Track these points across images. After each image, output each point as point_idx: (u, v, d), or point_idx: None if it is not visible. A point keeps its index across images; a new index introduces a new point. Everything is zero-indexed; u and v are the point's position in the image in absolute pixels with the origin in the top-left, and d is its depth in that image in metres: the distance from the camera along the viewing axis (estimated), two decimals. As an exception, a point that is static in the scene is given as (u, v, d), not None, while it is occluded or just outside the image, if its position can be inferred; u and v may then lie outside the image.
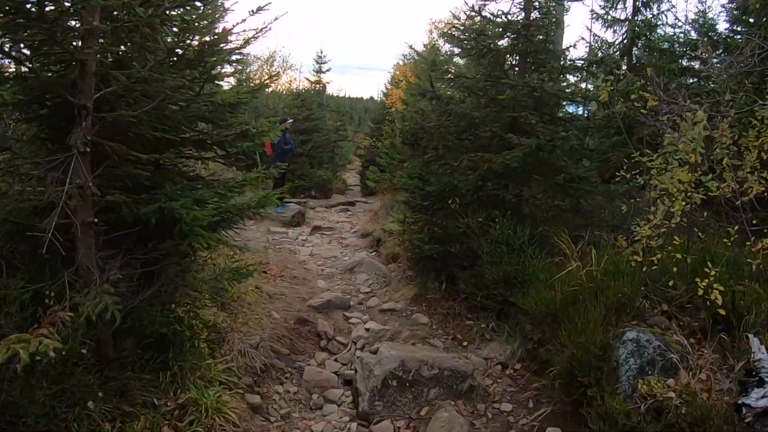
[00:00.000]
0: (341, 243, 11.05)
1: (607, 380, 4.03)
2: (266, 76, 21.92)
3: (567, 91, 6.95)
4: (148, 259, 3.98)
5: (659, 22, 10.16)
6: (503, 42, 7.11)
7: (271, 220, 13.43)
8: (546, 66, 6.94)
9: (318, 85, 26.74)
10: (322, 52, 25.55)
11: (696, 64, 9.69)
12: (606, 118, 7.07)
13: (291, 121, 14.60)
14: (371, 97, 53.06)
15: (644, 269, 4.84)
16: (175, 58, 4.01)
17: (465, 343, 6.36)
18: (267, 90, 23.82)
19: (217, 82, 5.48)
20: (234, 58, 4.87)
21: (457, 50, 7.95)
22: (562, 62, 7.08)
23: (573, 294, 5.03)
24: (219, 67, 4.76)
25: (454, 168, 6.93)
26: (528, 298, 5.37)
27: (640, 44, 10.12)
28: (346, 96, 46.51)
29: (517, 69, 7.09)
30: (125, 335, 3.90)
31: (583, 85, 9.01)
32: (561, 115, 7.34)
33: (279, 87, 24.31)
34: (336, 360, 6.01)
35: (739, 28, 8.91)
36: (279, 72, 22.86)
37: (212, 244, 4.41)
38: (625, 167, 5.79)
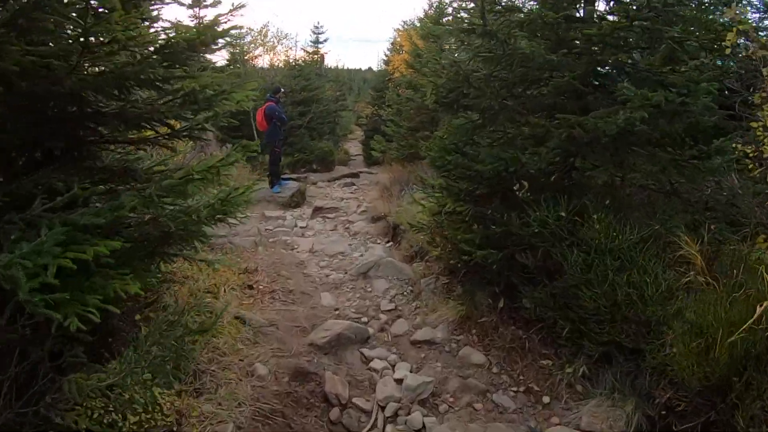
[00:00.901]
0: (348, 230, 8.53)
1: None
2: (260, 48, 19.14)
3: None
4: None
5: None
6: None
7: (267, 202, 11.01)
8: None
9: (316, 56, 23.71)
10: (318, 23, 22.49)
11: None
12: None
13: (284, 91, 11.89)
14: (369, 68, 49.89)
15: None
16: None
17: (546, 399, 3.96)
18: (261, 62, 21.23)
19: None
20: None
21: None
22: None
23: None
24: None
25: (512, 137, 4.41)
26: (680, 362, 2.97)
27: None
28: (345, 68, 43.35)
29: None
30: None
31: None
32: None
33: (275, 60, 21.51)
34: (356, 448, 3.61)
35: None
36: (274, 43, 19.98)
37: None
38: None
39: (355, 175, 17.33)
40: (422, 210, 5.55)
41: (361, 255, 6.88)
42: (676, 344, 3.19)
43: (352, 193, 12.99)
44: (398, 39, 23.78)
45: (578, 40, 4.20)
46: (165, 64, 2.92)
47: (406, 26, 23.36)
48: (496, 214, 4.30)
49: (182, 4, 16.15)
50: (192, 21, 16.61)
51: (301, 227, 8.81)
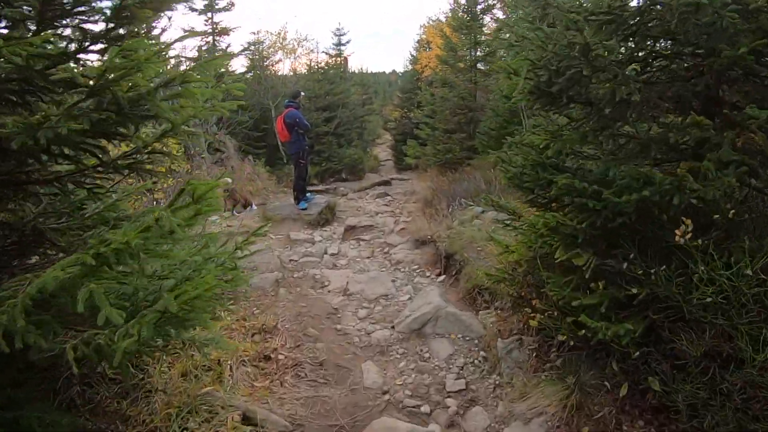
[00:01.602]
0: (389, 257, 6.90)
1: None
2: (280, 53, 17.60)
3: None
4: None
5: None
6: None
7: (293, 221, 9.48)
8: None
9: (339, 59, 22.04)
10: (340, 24, 20.84)
11: None
12: None
13: (304, 94, 10.30)
14: (393, 71, 48.13)
15: None
16: None
17: None
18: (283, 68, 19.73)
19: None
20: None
21: None
22: None
23: None
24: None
25: (644, 145, 2.75)
26: None
27: None
28: (369, 71, 41.66)
29: None
30: None
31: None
32: None
33: (296, 65, 19.94)
34: None
35: None
36: (294, 46, 18.43)
37: None
38: None
39: (387, 183, 15.76)
40: (504, 251, 3.86)
41: (410, 298, 5.25)
42: None
43: (386, 205, 11.38)
44: (424, 36, 22.18)
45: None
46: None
47: (431, 21, 21.76)
48: (637, 270, 2.62)
49: (194, 10, 14.83)
50: (207, 26, 15.32)
51: (331, 254, 7.21)
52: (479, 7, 12.23)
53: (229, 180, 10.52)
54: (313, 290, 5.74)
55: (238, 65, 17.68)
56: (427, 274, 6.08)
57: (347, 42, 21.42)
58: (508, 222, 3.88)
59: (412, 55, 24.00)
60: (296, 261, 6.80)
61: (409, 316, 4.58)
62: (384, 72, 48.94)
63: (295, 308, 5.08)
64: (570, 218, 2.81)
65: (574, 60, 2.58)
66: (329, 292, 5.69)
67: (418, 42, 23.27)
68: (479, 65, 12.42)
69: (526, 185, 3.27)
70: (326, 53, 20.86)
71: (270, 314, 4.89)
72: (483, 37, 12.30)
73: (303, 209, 9.57)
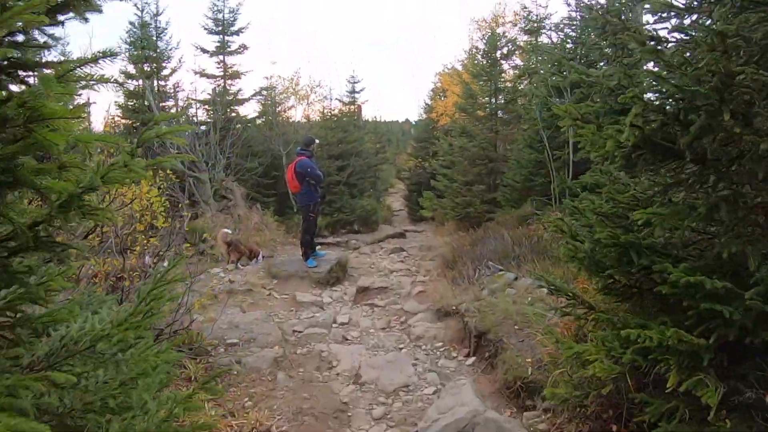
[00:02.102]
0: (407, 330, 5.94)
1: None
2: (293, 98, 17.11)
3: None
4: None
5: None
6: None
7: (300, 279, 8.61)
8: None
9: (352, 107, 21.49)
10: (354, 71, 20.31)
11: None
12: None
13: (318, 142, 9.56)
14: (407, 119, 47.91)
15: None
16: None
17: None
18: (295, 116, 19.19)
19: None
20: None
21: None
22: None
23: None
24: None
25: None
26: None
27: None
28: (382, 119, 41.39)
29: None
30: None
31: None
32: None
33: (309, 112, 19.39)
34: None
35: None
36: (307, 92, 17.94)
37: None
38: None
39: (402, 235, 14.92)
40: (572, 355, 2.90)
41: (436, 391, 4.26)
42: None
43: (401, 261, 10.46)
44: (439, 85, 21.67)
45: None
46: None
47: (447, 69, 21.27)
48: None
49: (206, 51, 14.39)
50: (218, 68, 14.83)
51: (341, 323, 6.27)
52: (499, 52, 11.59)
53: (229, 230, 9.70)
54: (319, 373, 4.78)
55: (250, 110, 17.16)
56: (454, 354, 5.11)
57: (361, 90, 20.90)
58: (568, 310, 2.94)
59: (426, 104, 23.53)
60: (300, 333, 5.85)
61: (438, 421, 3.59)
62: (397, 121, 48.78)
63: (295, 401, 4.11)
64: (698, 330, 1.88)
65: (706, 98, 1.72)
66: (338, 376, 4.72)
67: (432, 90, 22.80)
68: (500, 113, 11.73)
69: (607, 272, 2.37)
70: (339, 100, 20.34)
71: (264, 408, 3.95)
72: (504, 84, 11.65)
73: (312, 267, 8.69)
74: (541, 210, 8.71)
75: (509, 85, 11.93)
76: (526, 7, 14.03)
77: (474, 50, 14.18)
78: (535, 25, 13.69)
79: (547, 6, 13.68)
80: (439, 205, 12.58)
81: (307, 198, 8.67)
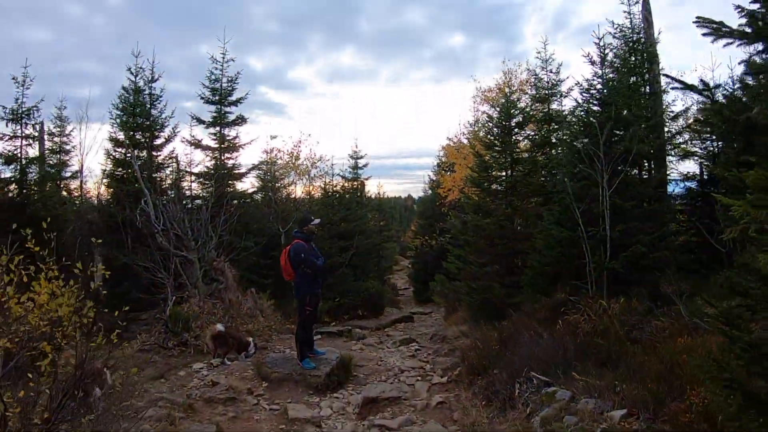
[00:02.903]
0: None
1: None
2: (293, 172, 16.13)
3: None
4: None
5: None
6: None
7: (294, 383, 7.17)
8: None
9: (355, 183, 20.34)
10: (357, 146, 19.36)
11: None
12: None
13: (318, 221, 8.25)
14: (409, 195, 47.44)
15: None
16: None
17: None
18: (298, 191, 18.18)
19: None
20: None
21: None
22: None
23: None
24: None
25: None
26: None
27: None
28: (386, 195, 40.75)
29: None
30: None
31: None
32: None
33: (310, 188, 18.37)
34: None
35: None
36: (307, 166, 16.99)
37: None
38: None
39: (409, 319, 13.49)
40: None
41: None
42: None
43: (412, 355, 8.97)
44: (445, 159, 20.68)
45: None
46: None
47: (452, 143, 20.37)
48: None
49: (202, 122, 13.47)
50: (213, 140, 13.82)
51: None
52: (514, 121, 10.52)
53: (222, 328, 8.31)
54: None
55: (248, 185, 16.08)
56: None
57: (365, 165, 19.90)
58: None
59: (431, 179, 22.59)
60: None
61: None
62: (400, 197, 48.22)
63: None
64: None
65: None
66: None
67: (438, 165, 21.90)
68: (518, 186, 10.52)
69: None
70: (342, 176, 19.27)
71: None
72: (519, 155, 10.53)
73: (310, 369, 7.21)
74: (575, 297, 7.35)
75: (526, 155, 10.85)
76: (536, 74, 13.16)
77: (486, 119, 13.21)
78: (546, 93, 12.83)
79: (558, 72, 12.70)
80: (452, 289, 11.17)
81: (304, 288, 7.29)
